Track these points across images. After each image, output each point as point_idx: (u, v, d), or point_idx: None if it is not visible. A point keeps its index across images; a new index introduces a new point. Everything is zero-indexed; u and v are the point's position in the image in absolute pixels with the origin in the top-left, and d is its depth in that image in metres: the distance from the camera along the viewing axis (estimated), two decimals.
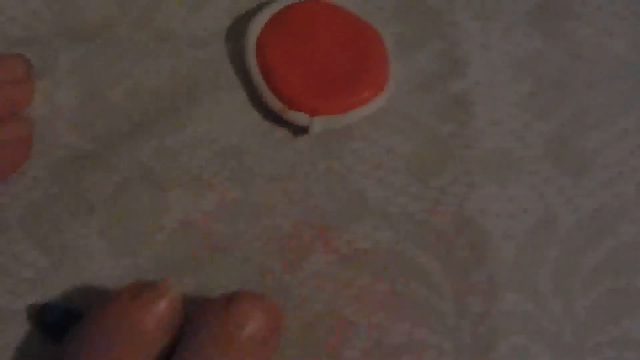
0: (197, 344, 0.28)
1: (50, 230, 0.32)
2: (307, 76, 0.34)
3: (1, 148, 0.32)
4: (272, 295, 0.32)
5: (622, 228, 0.33)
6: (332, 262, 0.32)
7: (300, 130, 0.34)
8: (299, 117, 0.34)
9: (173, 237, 0.32)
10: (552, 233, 0.33)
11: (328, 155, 0.34)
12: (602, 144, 0.35)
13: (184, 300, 0.29)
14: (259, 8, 0.35)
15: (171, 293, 0.29)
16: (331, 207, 0.33)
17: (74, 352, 0.28)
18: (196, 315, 0.29)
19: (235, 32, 0.36)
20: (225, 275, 0.32)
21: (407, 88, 0.35)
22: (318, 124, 0.34)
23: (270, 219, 0.33)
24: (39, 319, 0.31)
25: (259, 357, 0.29)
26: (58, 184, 0.33)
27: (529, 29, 0.36)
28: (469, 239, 0.33)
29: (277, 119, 0.34)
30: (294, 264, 0.32)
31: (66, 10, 0.35)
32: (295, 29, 0.35)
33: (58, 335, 0.30)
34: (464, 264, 0.33)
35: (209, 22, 0.36)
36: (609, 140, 0.35)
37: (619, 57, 0.36)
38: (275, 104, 0.34)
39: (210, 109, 0.34)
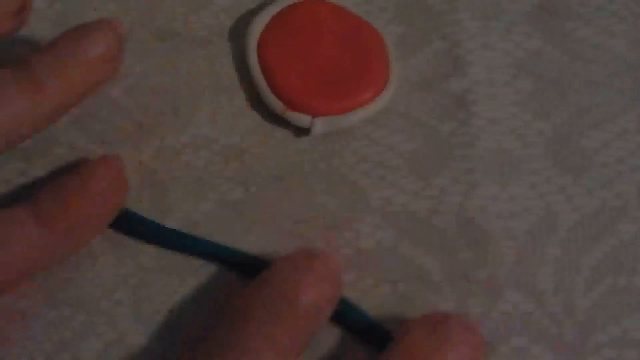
0: None
1: None
2: (308, 77, 0.34)
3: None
4: None
5: (622, 227, 0.33)
6: None
7: (301, 131, 0.34)
8: (300, 118, 0.34)
9: None
10: (552, 232, 0.33)
11: (329, 154, 0.34)
12: (603, 143, 0.35)
13: None
14: (260, 8, 0.35)
15: None
16: (332, 206, 0.33)
17: None
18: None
19: (236, 32, 0.36)
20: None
21: (408, 87, 0.35)
22: (319, 125, 0.34)
23: (271, 219, 0.33)
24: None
25: None
26: None
27: (529, 29, 0.37)
28: (470, 238, 0.33)
29: (278, 119, 0.34)
30: None
31: (67, 8, 0.35)
32: (297, 29, 0.35)
33: None
34: (464, 263, 0.33)
35: (209, 21, 0.36)
36: (609, 140, 0.35)
37: (618, 57, 0.36)
38: (276, 104, 0.34)
39: (211, 109, 0.34)
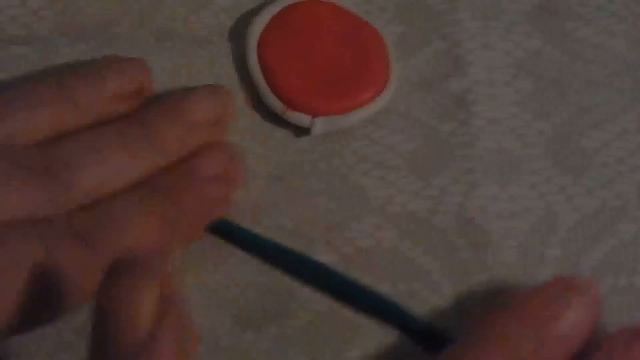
0: None
1: None
2: (308, 76, 0.34)
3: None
4: (274, 296, 0.32)
5: (622, 227, 0.33)
6: (334, 263, 0.32)
7: (301, 131, 0.34)
8: (300, 118, 0.34)
9: None
10: (552, 232, 0.33)
11: (329, 154, 0.34)
12: (603, 143, 0.35)
13: None
14: (260, 8, 0.35)
15: None
16: (332, 206, 0.33)
17: None
18: None
19: (236, 32, 0.36)
20: (226, 276, 0.32)
21: (408, 87, 0.35)
22: (319, 125, 0.34)
23: (271, 219, 0.33)
24: None
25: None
26: None
27: (529, 29, 0.37)
28: (470, 238, 0.33)
29: (278, 119, 0.34)
30: None
31: (67, 9, 0.35)
32: (297, 29, 0.35)
33: None
34: (464, 264, 0.33)
35: (209, 21, 0.36)
36: (609, 140, 0.35)
37: (618, 57, 0.36)
38: (276, 104, 0.34)
39: None
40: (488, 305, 0.32)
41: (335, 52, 0.34)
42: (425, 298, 0.32)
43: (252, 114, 0.35)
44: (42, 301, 0.27)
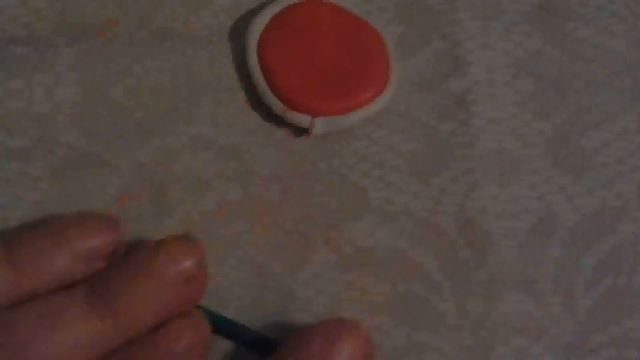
0: None
1: None
2: (308, 77, 0.34)
3: None
4: (273, 296, 0.32)
5: (622, 227, 0.33)
6: (333, 263, 0.32)
7: (301, 132, 0.34)
8: (300, 118, 0.34)
9: None
10: (552, 232, 0.33)
11: (329, 154, 0.34)
12: (603, 143, 0.35)
13: None
14: (260, 8, 0.35)
15: None
16: (332, 206, 0.33)
17: None
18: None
19: (236, 32, 0.36)
20: (226, 276, 0.32)
21: (408, 87, 0.35)
22: (320, 125, 0.34)
23: (271, 219, 0.33)
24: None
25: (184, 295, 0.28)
26: (59, 185, 0.33)
27: (529, 29, 0.37)
28: (470, 238, 0.33)
29: (278, 119, 0.34)
30: (295, 265, 0.32)
31: (67, 9, 0.35)
32: (297, 29, 0.35)
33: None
34: (464, 264, 0.33)
35: (209, 21, 0.36)
36: (609, 140, 0.35)
37: (618, 57, 0.36)
38: (275, 104, 0.34)
39: (211, 109, 0.34)
40: (488, 305, 0.32)
41: (335, 52, 0.34)
42: (425, 298, 0.32)
43: (252, 114, 0.35)
44: None
